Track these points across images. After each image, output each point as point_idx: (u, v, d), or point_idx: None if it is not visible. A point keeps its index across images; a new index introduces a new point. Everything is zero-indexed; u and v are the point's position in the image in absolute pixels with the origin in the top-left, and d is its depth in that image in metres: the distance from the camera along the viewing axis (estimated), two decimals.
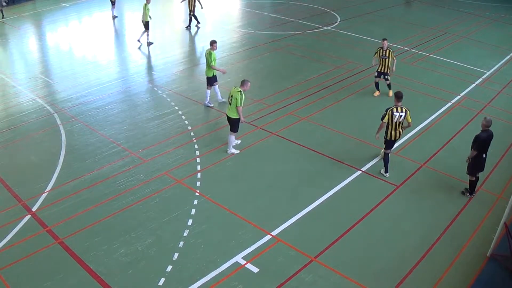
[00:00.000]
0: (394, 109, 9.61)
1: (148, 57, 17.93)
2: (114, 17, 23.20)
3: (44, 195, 9.37)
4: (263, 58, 17.40)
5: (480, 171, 9.28)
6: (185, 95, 14.07)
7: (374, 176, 10.13)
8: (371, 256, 7.93)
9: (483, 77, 15.89)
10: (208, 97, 13.24)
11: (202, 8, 21.50)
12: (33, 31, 21.94)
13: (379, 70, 13.79)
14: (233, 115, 10.47)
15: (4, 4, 24.87)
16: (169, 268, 7.56)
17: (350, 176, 10.12)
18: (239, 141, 11.13)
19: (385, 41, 13.51)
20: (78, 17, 24.15)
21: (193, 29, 21.31)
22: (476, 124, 11.38)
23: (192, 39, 20.69)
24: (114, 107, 13.31)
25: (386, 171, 10.08)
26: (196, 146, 11.20)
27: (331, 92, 14.28)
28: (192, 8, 20.94)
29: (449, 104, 13.72)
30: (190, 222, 8.62)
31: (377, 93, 14.10)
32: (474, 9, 25.85)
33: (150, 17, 19.16)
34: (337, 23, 22.27)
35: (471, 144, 9.04)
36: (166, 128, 12.04)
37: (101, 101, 13.66)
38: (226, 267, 7.58)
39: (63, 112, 12.96)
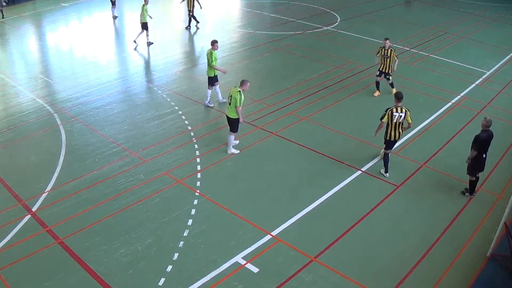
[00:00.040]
0: (394, 110, 9.61)
1: (148, 57, 17.93)
2: (114, 17, 23.20)
3: (44, 195, 9.37)
4: (263, 58, 17.40)
5: (480, 171, 9.28)
6: (185, 95, 14.07)
7: (374, 176, 10.13)
8: (371, 256, 7.93)
9: (483, 77, 15.89)
10: (209, 97, 13.24)
11: (201, 8, 21.50)
12: (33, 31, 21.94)
13: (380, 69, 13.82)
14: (233, 115, 10.47)
15: (4, 4, 24.87)
16: (169, 268, 7.56)
17: (350, 176, 10.12)
18: (237, 142, 11.12)
19: (387, 41, 13.54)
20: (78, 17, 24.16)
21: (193, 29, 21.32)
22: (476, 124, 11.38)
23: (192, 39, 20.69)
24: (114, 107, 13.31)
25: (386, 171, 10.08)
26: (196, 146, 11.20)
27: (331, 92, 14.28)
28: (191, 9, 20.94)
29: (449, 104, 13.72)
30: (190, 222, 8.62)
31: (377, 93, 14.10)
32: (474, 9, 25.86)
33: (150, 17, 19.19)
34: (337, 23, 22.27)
35: (471, 144, 9.04)
36: (166, 128, 12.04)
37: (101, 101, 13.66)
38: (226, 267, 7.58)
39: (63, 112, 12.96)
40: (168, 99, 13.75)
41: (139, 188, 9.57)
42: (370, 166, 10.46)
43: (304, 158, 10.80)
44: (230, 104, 10.43)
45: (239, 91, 10.26)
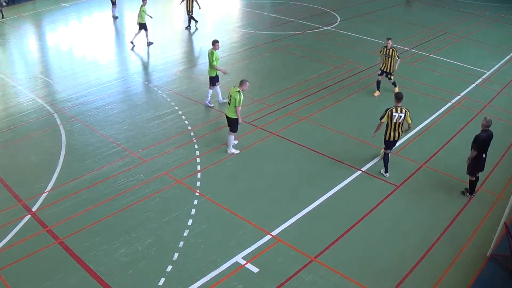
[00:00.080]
0: (394, 110, 9.60)
1: (148, 57, 17.93)
2: (115, 18, 23.19)
3: (44, 195, 9.37)
4: (263, 58, 17.40)
5: (480, 171, 9.28)
6: (185, 95, 14.07)
7: (374, 176, 10.13)
8: (371, 256, 7.93)
9: (483, 77, 15.89)
10: (209, 97, 13.24)
11: (200, 8, 21.48)
12: (33, 31, 21.94)
13: (382, 68, 13.86)
14: (232, 115, 10.46)
15: (4, 4, 24.87)
16: (169, 268, 7.56)
17: (350, 176, 10.12)
18: (236, 142, 11.11)
19: (389, 40, 13.60)
20: (78, 17, 24.16)
21: (193, 29, 21.32)
22: (476, 124, 11.38)
23: (192, 39, 20.68)
24: (114, 107, 13.31)
25: (386, 171, 10.08)
26: (196, 146, 11.20)
27: (331, 92, 14.28)
28: (190, 9, 20.94)
29: (449, 104, 13.72)
30: (190, 222, 8.62)
31: (377, 93, 14.11)
32: (474, 9, 25.86)
33: (151, 17, 19.21)
34: (337, 23, 22.27)
35: (471, 144, 9.04)
36: (166, 128, 12.04)
37: (101, 101, 13.66)
38: (226, 267, 7.58)
39: (63, 112, 12.96)
40: (168, 99, 13.75)
41: (139, 188, 9.57)
42: (370, 166, 10.46)
43: (304, 158, 10.80)
44: (229, 104, 10.43)
45: (239, 91, 10.26)
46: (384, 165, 10.09)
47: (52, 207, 8.99)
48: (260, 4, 26.41)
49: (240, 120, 10.52)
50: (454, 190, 9.74)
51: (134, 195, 9.36)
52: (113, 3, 23.04)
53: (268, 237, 8.25)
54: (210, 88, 13.15)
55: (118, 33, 21.67)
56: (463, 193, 9.58)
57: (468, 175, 9.33)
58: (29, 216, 8.76)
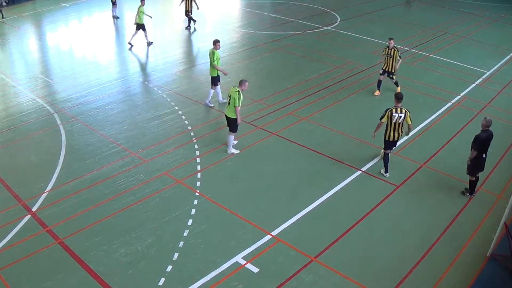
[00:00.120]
0: (394, 110, 9.60)
1: (148, 57, 17.94)
2: (116, 18, 23.19)
3: (44, 195, 9.37)
4: (263, 58, 17.40)
5: (480, 171, 9.28)
6: (185, 95, 14.07)
7: (374, 176, 10.13)
8: (371, 256, 7.93)
9: (483, 77, 15.89)
10: (210, 97, 13.22)
11: (198, 9, 21.45)
12: (33, 31, 21.95)
13: (384, 68, 13.90)
14: (232, 115, 10.46)
15: (4, 4, 24.88)
16: (169, 268, 7.56)
17: (350, 176, 10.12)
18: (235, 142, 11.11)
19: (391, 41, 13.65)
20: (78, 17, 24.17)
21: (192, 29, 21.30)
22: (476, 124, 11.38)
23: (192, 39, 20.68)
24: (114, 107, 13.31)
25: (386, 171, 10.08)
26: (196, 146, 11.20)
27: (331, 92, 14.28)
28: (190, 9, 20.92)
29: (449, 104, 13.72)
30: (190, 222, 8.62)
31: (377, 92, 14.12)
32: (474, 9, 25.86)
33: (150, 17, 19.22)
34: (337, 23, 22.27)
35: (471, 144, 9.04)
36: (166, 128, 12.04)
37: (101, 101, 13.67)
38: (226, 267, 7.58)
39: (63, 112, 12.96)
40: (168, 99, 13.75)
41: (139, 188, 9.57)
42: (370, 166, 10.46)
43: (304, 158, 10.80)
44: (229, 104, 10.43)
45: (238, 91, 10.26)
46: (384, 165, 10.09)
47: (52, 207, 8.99)
48: (260, 4, 26.41)
49: (239, 121, 10.50)
50: (454, 190, 9.74)
51: (134, 195, 9.36)
52: (114, 3, 23.04)
53: (268, 237, 8.25)
54: (212, 88, 13.14)
55: (118, 33, 21.68)
56: (463, 193, 9.58)
57: (468, 175, 9.33)
58: (29, 216, 8.76)
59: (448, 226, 8.67)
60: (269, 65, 16.82)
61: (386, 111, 9.67)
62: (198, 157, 10.71)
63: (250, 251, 7.91)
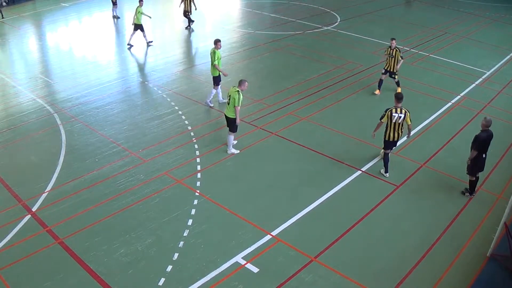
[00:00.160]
0: (393, 110, 9.60)
1: (148, 57, 17.94)
2: (116, 18, 23.19)
3: (44, 195, 9.37)
4: (263, 58, 17.40)
5: (480, 171, 9.28)
6: (185, 95, 14.07)
7: (374, 176, 10.13)
8: (371, 256, 7.93)
9: (483, 77, 15.89)
10: (211, 96, 13.21)
11: (195, 9, 21.41)
12: (33, 31, 21.95)
13: (385, 67, 13.93)
14: (232, 115, 10.45)
15: (4, 4, 24.88)
16: (169, 268, 7.56)
17: (350, 176, 10.12)
18: (235, 142, 11.10)
19: (393, 41, 13.68)
20: (78, 17, 24.17)
21: (193, 29, 21.30)
22: (476, 124, 11.38)
23: (192, 39, 20.68)
24: (114, 107, 13.31)
25: (386, 171, 10.08)
26: (196, 146, 11.20)
27: (331, 92, 14.28)
28: (189, 9, 20.92)
29: (449, 104, 13.72)
30: (190, 222, 8.62)
31: (377, 91, 14.13)
32: (474, 9, 25.86)
33: (149, 17, 19.23)
34: (337, 23, 22.27)
35: (471, 144, 9.04)
36: (166, 128, 12.04)
37: (101, 101, 13.67)
38: (226, 267, 7.58)
39: (63, 112, 12.96)
40: (168, 99, 13.75)
41: (139, 188, 9.57)
42: (370, 166, 10.46)
43: (304, 158, 10.80)
44: (229, 104, 10.43)
45: (238, 91, 10.25)
46: (384, 165, 10.09)
47: (52, 207, 8.99)
48: (260, 4, 26.41)
49: (238, 121, 10.48)
50: (454, 190, 9.73)
51: (134, 195, 9.36)
52: (114, 3, 23.05)
53: (268, 237, 8.25)
54: (214, 88, 13.11)
55: (118, 33, 21.67)
56: (463, 193, 9.58)
57: (468, 175, 9.32)
58: (29, 216, 8.76)
59: (448, 226, 8.67)
60: (269, 65, 16.82)
61: (386, 111, 9.66)
62: (198, 157, 10.71)
63: (250, 251, 7.91)
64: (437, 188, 9.81)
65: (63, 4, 26.26)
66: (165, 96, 14.01)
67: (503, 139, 11.54)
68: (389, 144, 9.89)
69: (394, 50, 13.61)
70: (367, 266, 7.70)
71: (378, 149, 10.87)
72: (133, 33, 18.56)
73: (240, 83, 10.40)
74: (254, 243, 8.08)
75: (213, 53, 12.64)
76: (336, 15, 23.69)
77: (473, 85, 15.20)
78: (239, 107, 10.27)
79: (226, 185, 9.80)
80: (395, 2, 27.23)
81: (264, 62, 17.02)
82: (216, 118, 12.62)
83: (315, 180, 9.98)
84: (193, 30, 21.27)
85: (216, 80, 12.95)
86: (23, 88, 14.74)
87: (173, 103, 13.45)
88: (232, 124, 10.58)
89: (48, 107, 13.26)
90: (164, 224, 8.57)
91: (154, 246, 8.03)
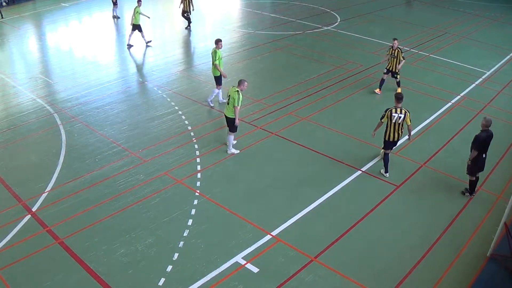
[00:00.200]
0: (393, 110, 9.60)
1: (148, 57, 17.94)
2: (117, 18, 23.18)
3: (44, 195, 9.37)
4: (263, 58, 17.40)
5: (480, 171, 9.28)
6: (185, 95, 14.07)
7: (374, 176, 10.13)
8: (371, 256, 7.93)
9: (483, 77, 15.89)
10: (213, 96, 13.19)
11: (193, 10, 21.37)
12: (33, 31, 21.94)
13: (387, 67, 13.96)
14: (232, 115, 10.45)
15: (4, 4, 24.87)
16: (169, 268, 7.56)
17: (350, 176, 10.12)
18: (235, 142, 11.10)
19: (395, 41, 13.70)
20: (78, 17, 24.16)
21: (193, 29, 21.30)
22: (476, 124, 11.37)
23: (192, 39, 20.67)
24: (114, 107, 13.31)
25: (386, 171, 10.08)
26: (196, 146, 11.20)
27: (331, 92, 14.28)
28: (188, 9, 20.90)
29: (449, 104, 13.72)
30: (190, 222, 8.62)
31: (378, 90, 14.13)
32: (474, 9, 25.85)
33: (148, 17, 19.23)
34: (337, 23, 22.27)
35: (471, 144, 9.04)
36: (166, 128, 12.04)
37: (101, 101, 13.67)
38: (226, 267, 7.58)
39: (63, 112, 12.96)
40: (168, 99, 13.75)
41: (139, 188, 9.57)
42: (370, 166, 10.46)
43: (304, 158, 10.80)
44: (228, 104, 10.42)
45: (237, 90, 10.25)
46: (384, 165, 10.09)
47: (52, 207, 8.99)
48: (260, 4, 26.41)
49: (237, 121, 10.47)
50: (454, 190, 9.73)
51: (134, 195, 9.36)
52: (114, 3, 23.04)
53: (268, 237, 8.25)
54: (216, 88, 13.08)
55: (119, 33, 21.67)
56: (463, 193, 9.58)
57: (468, 175, 9.32)
58: (29, 216, 8.76)
59: (448, 226, 8.67)
60: (269, 65, 16.82)
61: (386, 111, 9.67)
62: (198, 157, 10.71)
63: (250, 251, 7.91)
64: (437, 188, 9.81)
65: (63, 4, 26.25)
66: (165, 96, 14.01)
67: (503, 139, 11.54)
68: (389, 144, 9.89)
69: (396, 50, 13.60)
70: (367, 266, 7.70)
71: (378, 149, 10.87)
72: (132, 33, 18.55)
73: (240, 83, 10.40)
74: (254, 243, 8.08)
75: (214, 53, 12.63)
76: (336, 15, 23.69)
77: (473, 85, 15.20)
78: (238, 107, 10.26)
79: (226, 185, 9.80)
80: (395, 2, 27.22)
81: (264, 62, 17.02)
82: (216, 118, 12.62)
83: (315, 180, 9.98)
84: (190, 30, 21.26)
85: (218, 80, 12.93)
86: (23, 88, 14.74)
87: (173, 103, 13.45)
88: (232, 124, 10.57)
89: (48, 107, 13.26)
90: (164, 224, 8.57)
91: (154, 246, 8.03)
